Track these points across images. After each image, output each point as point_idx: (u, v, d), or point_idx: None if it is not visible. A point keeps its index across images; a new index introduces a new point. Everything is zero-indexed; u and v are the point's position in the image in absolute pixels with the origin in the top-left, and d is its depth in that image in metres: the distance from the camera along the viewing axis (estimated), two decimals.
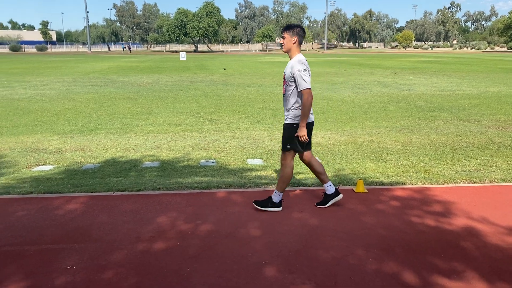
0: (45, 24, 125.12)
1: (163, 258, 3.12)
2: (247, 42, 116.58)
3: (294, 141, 3.87)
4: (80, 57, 58.47)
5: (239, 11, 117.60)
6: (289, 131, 3.88)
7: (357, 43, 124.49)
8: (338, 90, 15.54)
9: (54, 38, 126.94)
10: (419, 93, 14.62)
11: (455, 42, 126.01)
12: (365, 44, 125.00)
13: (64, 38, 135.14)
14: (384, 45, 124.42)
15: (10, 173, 5.65)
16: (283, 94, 3.93)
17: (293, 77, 3.76)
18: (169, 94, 14.50)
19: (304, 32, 3.96)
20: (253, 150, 6.98)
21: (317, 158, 5.45)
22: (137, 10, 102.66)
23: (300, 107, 3.80)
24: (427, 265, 3.08)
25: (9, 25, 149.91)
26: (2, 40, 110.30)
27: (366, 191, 4.68)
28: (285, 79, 3.89)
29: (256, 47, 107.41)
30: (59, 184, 5.00)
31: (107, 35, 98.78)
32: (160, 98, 13.36)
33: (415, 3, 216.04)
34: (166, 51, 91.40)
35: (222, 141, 7.60)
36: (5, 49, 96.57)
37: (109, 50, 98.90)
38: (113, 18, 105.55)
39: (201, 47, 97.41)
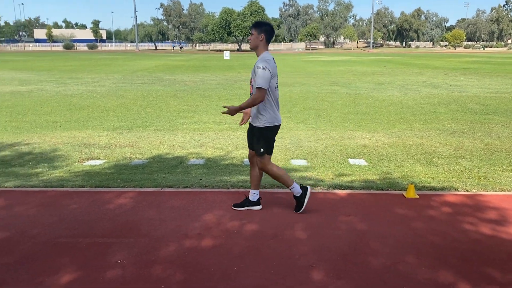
0: (96, 23, 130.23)
1: (209, 256, 3.13)
2: (290, 41, 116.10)
3: (266, 144, 3.82)
4: (128, 55, 60.39)
5: (283, 10, 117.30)
6: (259, 134, 3.81)
7: (404, 42, 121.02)
8: (385, 91, 15.14)
9: (104, 37, 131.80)
10: (471, 94, 13.98)
11: (510, 41, 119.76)
12: (413, 44, 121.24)
13: (113, 36, 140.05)
14: (433, 44, 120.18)
15: (64, 167, 5.89)
16: (250, 93, 3.81)
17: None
18: (214, 92, 14.66)
19: (273, 31, 3.85)
20: (297, 150, 6.91)
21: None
22: (183, 10, 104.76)
23: (266, 108, 3.71)
24: (484, 277, 2.91)
25: (63, 24, 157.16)
26: (57, 38, 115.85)
27: (417, 196, 4.50)
28: (251, 78, 3.80)
29: (300, 46, 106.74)
30: (109, 179, 5.15)
31: (154, 34, 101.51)
32: (205, 97, 13.52)
33: (467, 1, 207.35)
34: (210, 50, 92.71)
35: None
36: (59, 47, 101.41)
37: (156, 48, 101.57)
38: (160, 17, 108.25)
39: (244, 46, 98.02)
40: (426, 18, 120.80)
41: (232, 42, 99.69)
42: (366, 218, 3.89)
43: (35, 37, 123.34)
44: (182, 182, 4.99)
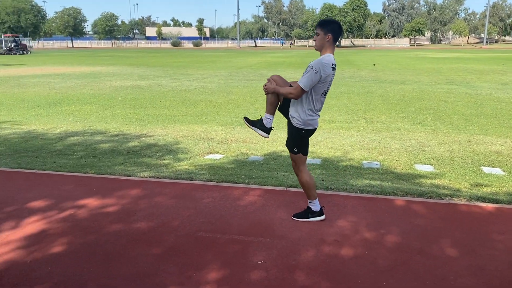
0: (201, 22, 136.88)
1: (352, 266, 2.97)
2: (393, 36, 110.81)
3: (300, 144, 3.58)
4: (230, 52, 62.46)
5: (387, 4, 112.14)
6: (296, 134, 3.56)
7: None
8: (511, 91, 13.64)
9: (208, 34, 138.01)
10: None
11: None
12: None
13: (216, 34, 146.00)
14: None
15: (188, 159, 6.14)
16: None
17: None
18: None
19: (341, 29, 3.46)
20: (420, 154, 6.45)
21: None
22: (283, 6, 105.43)
23: (304, 111, 3.43)
24: None
25: (171, 23, 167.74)
26: (165, 36, 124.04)
27: None
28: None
29: (403, 42, 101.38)
30: (233, 174, 5.24)
31: (255, 31, 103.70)
32: None
33: None
34: (308, 46, 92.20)
35: (383, 142, 7.20)
36: (167, 44, 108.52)
37: (255, 45, 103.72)
38: (261, 14, 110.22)
39: (344, 41, 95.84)
40: None
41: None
42: None
43: (146, 35, 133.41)
44: None
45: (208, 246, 3.22)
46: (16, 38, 53.86)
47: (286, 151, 6.65)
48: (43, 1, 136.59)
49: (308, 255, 3.08)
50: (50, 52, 59.33)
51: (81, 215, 3.82)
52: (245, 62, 32.90)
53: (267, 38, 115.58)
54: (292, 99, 3.50)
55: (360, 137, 7.61)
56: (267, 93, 3.62)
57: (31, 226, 3.57)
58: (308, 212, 3.75)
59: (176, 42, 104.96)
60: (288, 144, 3.71)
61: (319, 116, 3.61)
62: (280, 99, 3.64)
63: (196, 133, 7.91)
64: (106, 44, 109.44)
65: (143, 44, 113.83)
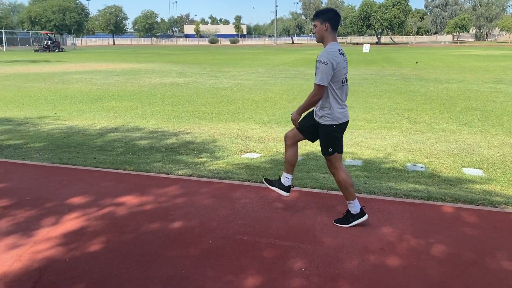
0: (238, 19, 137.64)
1: (400, 277, 2.78)
2: (435, 33, 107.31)
3: (334, 143, 3.46)
4: (267, 49, 62.35)
5: (429, 0, 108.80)
6: (326, 133, 3.45)
7: None
8: None
9: (245, 32, 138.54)
10: None
11: None
12: None
13: (253, 31, 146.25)
14: None
15: (225, 158, 6.07)
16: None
17: None
18: (360, 88, 14.08)
19: (338, 16, 3.40)
20: (467, 157, 6.10)
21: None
22: (321, 3, 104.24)
23: (330, 106, 3.36)
24: None
25: (209, 20, 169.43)
26: (203, 33, 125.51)
27: None
28: (315, 72, 3.41)
29: (445, 39, 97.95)
30: (270, 175, 5.12)
31: (292, 28, 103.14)
32: (351, 92, 13.01)
33: None
34: (347, 44, 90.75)
35: (427, 144, 6.88)
36: (205, 42, 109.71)
37: (293, 42, 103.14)
38: (299, 11, 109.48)
39: (383, 39, 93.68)
40: None
41: (370, 35, 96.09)
42: None
43: (184, 32, 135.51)
44: None
45: (247, 250, 3.12)
46: (51, 36, 54.23)
47: None
48: (86, 0, 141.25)
49: (352, 263, 2.92)
50: (92, 49, 61.23)
51: (120, 212, 3.81)
52: (282, 59, 32.69)
53: (304, 35, 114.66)
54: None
55: (403, 138, 7.32)
56: (298, 120, 3.62)
57: (71, 223, 3.58)
58: (349, 216, 3.58)
59: (214, 39, 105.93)
60: (323, 148, 3.57)
61: (347, 107, 3.52)
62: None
63: (233, 131, 7.84)
64: (146, 41, 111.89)
65: (181, 41, 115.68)
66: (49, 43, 50.32)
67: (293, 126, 3.70)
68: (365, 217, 3.56)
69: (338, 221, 3.61)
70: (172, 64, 27.18)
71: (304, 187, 4.59)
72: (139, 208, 3.91)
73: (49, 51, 48.49)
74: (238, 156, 6.21)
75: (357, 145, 6.81)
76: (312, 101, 3.39)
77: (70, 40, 75.95)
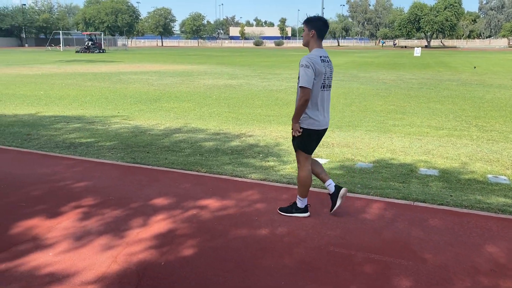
0: (283, 21, 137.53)
1: None
2: (488, 36, 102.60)
3: (304, 142, 3.65)
4: None
5: (484, 2, 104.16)
6: (304, 131, 3.62)
7: None
8: None
9: (289, 34, 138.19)
10: None
11: None
12: None
13: (297, 33, 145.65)
14: None
15: (292, 162, 5.95)
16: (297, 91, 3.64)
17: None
18: (420, 93, 13.58)
19: (326, 26, 3.59)
20: None
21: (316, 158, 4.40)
22: (369, 5, 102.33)
23: (315, 106, 3.54)
24: None
25: (254, 23, 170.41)
26: (248, 35, 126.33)
27: None
28: (298, 77, 3.58)
29: (500, 43, 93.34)
30: (347, 182, 4.94)
31: (338, 30, 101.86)
32: (411, 97, 12.60)
33: None
34: (395, 47, 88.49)
35: (504, 154, 6.47)
36: (250, 44, 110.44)
37: (338, 45, 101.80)
38: (345, 13, 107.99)
39: (433, 42, 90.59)
40: None
41: (419, 38, 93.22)
42: None
43: (230, 35, 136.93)
44: (429, 196, 4.45)
45: (344, 264, 2.97)
46: (92, 37, 53.20)
47: (396, 159, 6.22)
48: (137, 2, 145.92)
49: (464, 285, 2.71)
50: (142, 50, 63.03)
51: (204, 216, 3.77)
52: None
53: (350, 37, 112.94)
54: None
55: (476, 147, 6.93)
56: (298, 129, 3.69)
57: (158, 225, 3.57)
58: (293, 208, 3.84)
59: (259, 41, 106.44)
60: (293, 141, 3.78)
61: (328, 114, 3.67)
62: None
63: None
64: (192, 43, 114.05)
65: (226, 43, 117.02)
66: (89, 44, 49.34)
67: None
68: (306, 214, 3.81)
69: (282, 209, 3.89)
70: (222, 66, 27.44)
71: (387, 197, 4.39)
72: (223, 212, 3.85)
73: (89, 52, 47.51)
74: None
75: (428, 153, 6.51)
76: (300, 104, 3.52)
77: (121, 41, 78.58)
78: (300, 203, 3.82)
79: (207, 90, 14.20)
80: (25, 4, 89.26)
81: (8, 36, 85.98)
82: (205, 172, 5.22)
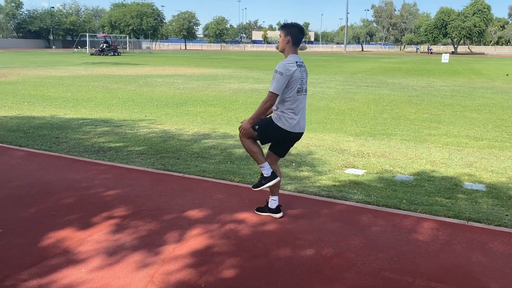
0: (306, 26, 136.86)
1: None
2: None
3: (264, 131, 3.64)
4: (337, 56, 61.25)
5: None
6: (270, 123, 3.63)
7: None
8: None
9: (312, 38, 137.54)
10: None
11: None
12: None
13: (320, 38, 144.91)
14: None
15: (327, 173, 5.67)
16: None
17: None
18: (453, 101, 13.09)
19: (301, 33, 3.62)
20: None
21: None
22: (395, 10, 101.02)
23: (291, 109, 3.56)
24: None
25: (277, 27, 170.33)
26: (270, 39, 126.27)
27: None
28: None
29: None
30: (390, 197, 4.63)
31: (362, 36, 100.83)
32: (445, 105, 12.14)
33: None
34: (420, 52, 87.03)
35: None
36: (272, 48, 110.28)
37: (362, 50, 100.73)
38: (369, 18, 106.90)
39: (460, 48, 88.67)
40: None
41: (445, 44, 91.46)
42: None
43: (252, 39, 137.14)
44: (481, 215, 4.11)
45: None
46: (107, 39, 51.93)
47: (437, 171, 5.87)
48: (161, 6, 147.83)
49: None
50: (166, 54, 63.58)
51: (243, 231, 3.53)
52: (357, 67, 31.76)
53: (373, 42, 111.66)
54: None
55: None
56: (247, 129, 3.64)
57: (195, 240, 3.35)
58: (261, 179, 3.78)
59: None
60: (257, 124, 3.65)
61: (303, 119, 3.68)
62: (254, 135, 3.68)
63: (326, 143, 7.43)
64: (215, 47, 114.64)
65: (249, 47, 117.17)
66: (104, 47, 47.99)
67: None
68: (277, 179, 3.76)
69: (255, 186, 3.85)
70: (246, 70, 27.30)
71: (437, 215, 4.06)
72: (262, 228, 3.60)
73: (103, 55, 46.35)
74: (341, 171, 5.78)
75: (471, 166, 6.13)
76: (264, 108, 3.54)
77: (145, 44, 79.53)
78: (265, 170, 3.75)
79: (233, 95, 14.02)
80: (53, 7, 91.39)
81: (37, 38, 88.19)
82: (238, 182, 4.99)
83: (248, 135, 3.65)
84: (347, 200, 4.43)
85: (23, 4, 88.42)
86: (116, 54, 48.09)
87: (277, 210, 3.89)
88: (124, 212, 3.88)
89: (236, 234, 3.47)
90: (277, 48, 3.75)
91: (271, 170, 3.74)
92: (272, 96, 3.50)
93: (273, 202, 3.92)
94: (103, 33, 74.20)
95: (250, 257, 3.08)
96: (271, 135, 3.69)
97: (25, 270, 2.84)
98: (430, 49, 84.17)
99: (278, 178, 3.76)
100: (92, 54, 47.60)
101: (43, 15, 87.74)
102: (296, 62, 3.55)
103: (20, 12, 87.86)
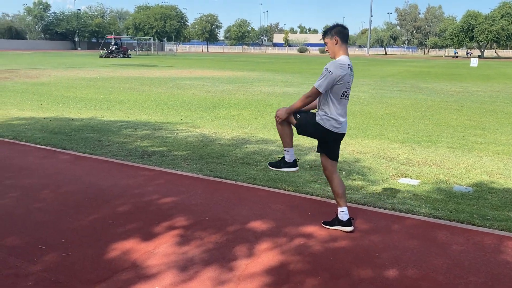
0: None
1: None
2: None
3: (304, 123, 3.56)
4: (360, 59, 60.53)
5: None
6: (316, 126, 3.51)
7: None
8: None
9: None
10: None
11: None
12: None
13: None
14: None
15: (381, 182, 5.41)
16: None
17: None
18: (495, 107, 12.63)
19: (345, 28, 3.49)
20: None
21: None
22: (419, 14, 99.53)
23: (325, 112, 3.47)
24: None
25: (298, 30, 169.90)
26: (292, 42, 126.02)
27: None
28: None
29: None
30: (457, 211, 4.35)
31: (386, 39, 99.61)
32: (487, 112, 11.70)
33: None
34: (445, 56, 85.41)
35: None
36: (293, 51, 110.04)
37: (385, 53, 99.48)
38: (393, 21, 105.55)
39: (486, 52, 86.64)
40: None
41: (471, 48, 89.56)
42: None
43: (273, 41, 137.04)
44: None
45: None
46: (117, 41, 50.99)
47: (496, 182, 5.55)
48: (184, 8, 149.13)
49: None
50: (189, 56, 63.95)
51: (314, 248, 3.31)
52: (385, 71, 31.24)
53: (397, 46, 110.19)
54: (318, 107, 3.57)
55: None
56: (284, 119, 3.59)
57: (267, 256, 3.15)
58: (281, 162, 3.80)
59: (303, 48, 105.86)
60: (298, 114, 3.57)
61: (345, 121, 3.58)
62: (292, 122, 3.62)
63: (372, 150, 7.16)
64: (236, 49, 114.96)
65: (270, 50, 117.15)
66: (113, 48, 47.33)
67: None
68: (295, 169, 3.80)
69: (272, 164, 3.87)
70: (272, 72, 27.12)
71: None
72: (334, 244, 3.38)
73: (112, 57, 45.66)
74: (394, 181, 5.51)
75: None
76: (304, 102, 3.49)
77: (168, 46, 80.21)
78: (288, 156, 3.77)
79: (265, 98, 13.85)
80: (79, 9, 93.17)
81: (63, 39, 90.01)
82: (293, 191, 4.78)
83: (286, 120, 3.60)
84: (414, 214, 4.18)
85: (50, 7, 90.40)
86: (125, 56, 47.25)
87: (348, 222, 3.64)
88: (184, 222, 3.71)
89: (308, 250, 3.25)
90: (325, 51, 3.65)
91: (294, 158, 3.78)
92: (315, 92, 3.42)
93: (342, 214, 3.64)
94: (123, 35, 74.85)
95: (331, 278, 2.87)
96: (309, 129, 3.62)
97: (97, 285, 2.69)
98: (470, 53, 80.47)
99: (296, 168, 3.80)
100: (101, 56, 46.46)
101: (70, 17, 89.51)
102: (348, 65, 3.44)
103: (48, 15, 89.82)
